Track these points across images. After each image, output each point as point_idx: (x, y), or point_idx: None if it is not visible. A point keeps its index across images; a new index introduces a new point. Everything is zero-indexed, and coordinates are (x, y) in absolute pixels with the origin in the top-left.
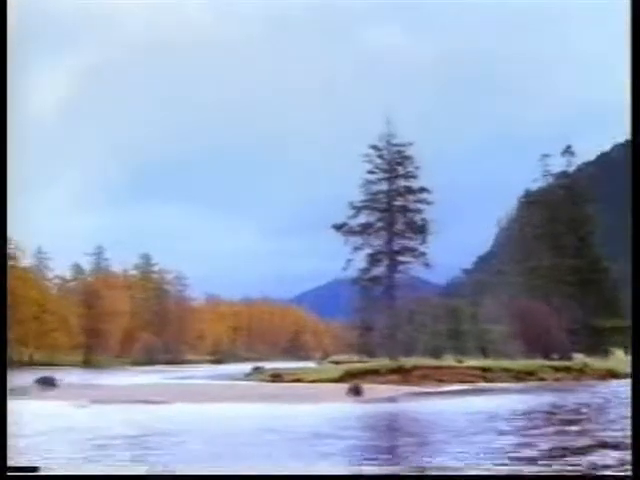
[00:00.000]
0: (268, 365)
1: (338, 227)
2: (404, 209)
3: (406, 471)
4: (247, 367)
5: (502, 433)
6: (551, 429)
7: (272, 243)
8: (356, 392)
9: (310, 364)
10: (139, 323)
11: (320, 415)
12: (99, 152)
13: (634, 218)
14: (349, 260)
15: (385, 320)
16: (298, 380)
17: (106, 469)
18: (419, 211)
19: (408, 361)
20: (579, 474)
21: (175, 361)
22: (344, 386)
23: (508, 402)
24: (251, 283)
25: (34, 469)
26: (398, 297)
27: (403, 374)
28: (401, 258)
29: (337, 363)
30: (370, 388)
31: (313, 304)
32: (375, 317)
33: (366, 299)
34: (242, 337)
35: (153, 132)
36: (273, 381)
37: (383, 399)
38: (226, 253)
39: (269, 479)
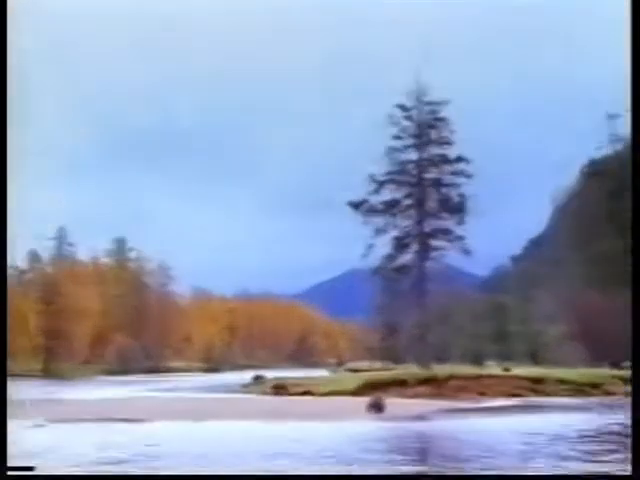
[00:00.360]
0: (270, 374)
1: (356, 205)
2: (437, 183)
3: None
4: (245, 376)
5: (565, 459)
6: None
7: (275, 225)
8: (378, 408)
9: (322, 373)
10: (112, 323)
11: (332, 437)
12: (62, 109)
13: (634, 219)
14: (370, 246)
15: (414, 319)
16: (307, 392)
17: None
18: (456, 185)
19: (442, 369)
20: (579, 474)
21: (157, 369)
22: (363, 400)
23: (566, 421)
24: (249, 274)
25: (32, 468)
26: (430, 291)
27: (436, 385)
28: (434, 243)
29: (355, 371)
30: (395, 403)
31: (325, 300)
32: (401, 316)
33: (390, 294)
34: (239, 340)
35: (134, 95)
36: (277, 393)
37: (411, 417)
38: (219, 237)
39: (269, 479)
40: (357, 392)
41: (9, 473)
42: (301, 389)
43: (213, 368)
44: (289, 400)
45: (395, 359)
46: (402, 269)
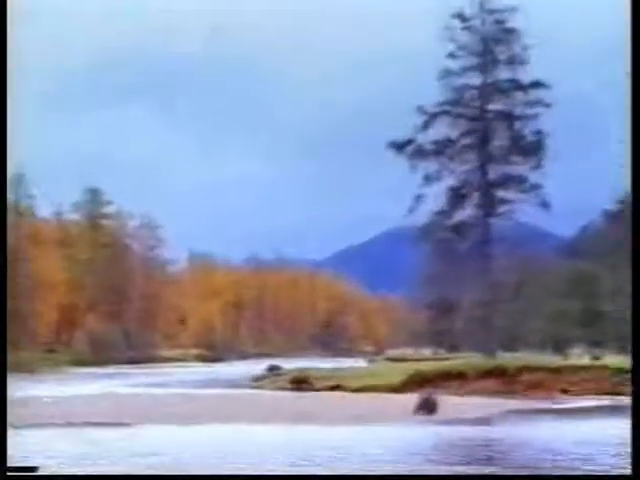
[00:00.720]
0: (289, 364)
1: (399, 146)
2: (507, 116)
3: None
4: (257, 367)
5: None
6: None
7: (291, 172)
8: (429, 408)
9: (355, 363)
10: (84, 299)
11: (370, 447)
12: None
13: (634, 221)
14: (417, 197)
15: (475, 294)
16: (336, 388)
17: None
18: (530, 118)
19: (512, 359)
20: (579, 474)
21: (143, 359)
22: (409, 398)
23: None
24: (261, 236)
25: (33, 469)
26: (496, 257)
27: (504, 380)
28: (502, 194)
29: (398, 361)
30: (451, 402)
31: (359, 269)
32: (459, 290)
33: (444, 261)
34: (248, 321)
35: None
36: (297, 389)
37: (472, 420)
38: (223, 191)
39: (269, 479)
40: (401, 388)
41: (9, 474)
42: (329, 383)
43: (215, 357)
44: (313, 398)
45: (450, 346)
46: (459, 228)
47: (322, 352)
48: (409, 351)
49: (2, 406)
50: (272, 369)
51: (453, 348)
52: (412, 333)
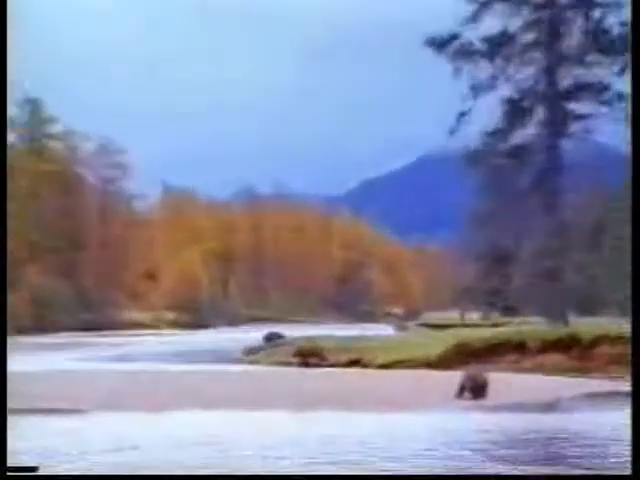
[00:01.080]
0: (294, 332)
1: (439, 43)
2: (583, 2)
3: None
4: (251, 336)
5: None
6: None
7: (294, 77)
8: (477, 390)
9: (381, 330)
10: (23, 248)
11: (405, 439)
12: None
13: (634, 217)
14: (462, 114)
15: (539, 241)
16: (356, 363)
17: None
18: (615, 5)
19: (587, 326)
20: (579, 474)
21: (101, 324)
22: (451, 376)
23: None
24: (255, 164)
25: (33, 469)
26: (567, 191)
27: (577, 353)
28: (575, 107)
29: (436, 328)
30: (506, 381)
31: (385, 208)
32: (518, 235)
33: (499, 196)
34: (239, 275)
35: None
36: (304, 364)
37: (534, 405)
38: (203, 99)
39: (269, 479)
40: (440, 363)
41: (9, 474)
42: (346, 357)
43: (197, 323)
44: (326, 376)
45: (506, 308)
46: (518, 153)
47: (337, 316)
48: (451, 315)
49: (2, 406)
50: (271, 338)
51: (509, 311)
52: (455, 292)
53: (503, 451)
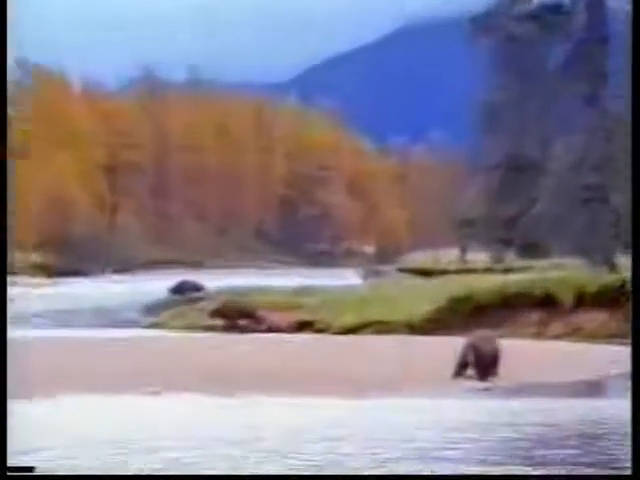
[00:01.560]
0: (215, 281)
1: None
2: None
3: None
4: (153, 287)
5: None
6: None
7: None
8: (484, 366)
9: (344, 277)
10: None
11: (371, 444)
12: None
13: (634, 214)
14: None
15: (574, 147)
16: (307, 326)
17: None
18: None
19: None
20: (579, 474)
21: None
22: (449, 345)
23: None
24: (159, 39)
25: (33, 469)
26: (616, 74)
27: (628, 309)
28: None
29: (426, 274)
30: (525, 352)
31: (350, 99)
32: (543, 138)
33: (516, 80)
34: (134, 195)
35: None
36: (230, 328)
37: (568, 388)
38: None
39: (269, 479)
40: (431, 325)
41: (9, 474)
42: (292, 318)
43: (69, 268)
44: (262, 344)
45: (526, 246)
46: (546, 16)
47: (279, 258)
48: (446, 256)
49: (2, 406)
50: (183, 291)
51: (531, 250)
52: (452, 221)
53: (522, 453)
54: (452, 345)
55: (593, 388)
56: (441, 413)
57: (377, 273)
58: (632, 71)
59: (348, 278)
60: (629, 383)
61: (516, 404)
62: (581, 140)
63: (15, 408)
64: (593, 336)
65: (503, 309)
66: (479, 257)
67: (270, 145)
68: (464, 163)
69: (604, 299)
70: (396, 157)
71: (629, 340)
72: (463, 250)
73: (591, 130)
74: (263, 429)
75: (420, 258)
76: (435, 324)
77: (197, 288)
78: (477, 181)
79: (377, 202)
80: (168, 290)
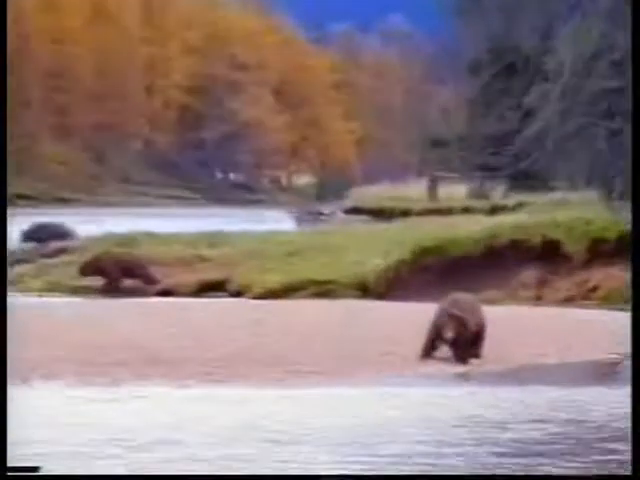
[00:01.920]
0: (89, 224)
1: None
2: None
3: None
4: (9, 229)
5: None
6: None
7: None
8: (463, 342)
9: (269, 220)
10: None
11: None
12: None
13: (634, 212)
14: None
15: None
16: (217, 287)
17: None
18: None
19: None
20: (579, 474)
21: None
22: (415, 314)
23: None
24: None
25: (35, 469)
26: None
27: None
28: None
29: (381, 216)
30: (520, 321)
31: None
32: (545, 24)
33: None
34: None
35: None
36: (110, 290)
37: (578, 372)
38: None
39: (269, 479)
40: (389, 286)
41: (9, 474)
42: (196, 276)
43: None
44: (147, 309)
45: (520, 176)
46: None
47: (178, 192)
48: (410, 191)
49: (2, 405)
50: (42, 238)
51: (528, 182)
52: (420, 143)
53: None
54: (419, 314)
55: (612, 371)
56: (405, 406)
57: (315, 215)
58: (632, 70)
59: (274, 221)
60: None
61: (504, 394)
62: (595, 27)
63: None
64: (611, 299)
65: (489, 264)
66: (455, 192)
67: (164, 34)
68: (433, 59)
69: (627, 249)
70: (341, 51)
71: None
72: (433, 182)
73: (608, 13)
74: (151, 432)
75: (374, 193)
76: (395, 285)
77: (63, 234)
78: (451, 85)
79: (315, 114)
80: (21, 236)
